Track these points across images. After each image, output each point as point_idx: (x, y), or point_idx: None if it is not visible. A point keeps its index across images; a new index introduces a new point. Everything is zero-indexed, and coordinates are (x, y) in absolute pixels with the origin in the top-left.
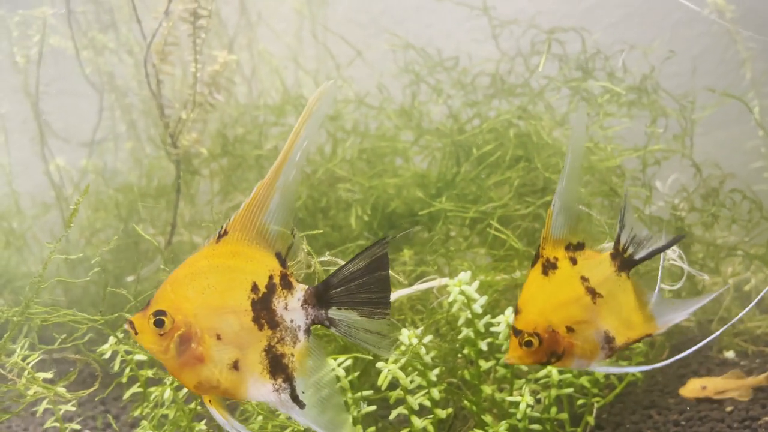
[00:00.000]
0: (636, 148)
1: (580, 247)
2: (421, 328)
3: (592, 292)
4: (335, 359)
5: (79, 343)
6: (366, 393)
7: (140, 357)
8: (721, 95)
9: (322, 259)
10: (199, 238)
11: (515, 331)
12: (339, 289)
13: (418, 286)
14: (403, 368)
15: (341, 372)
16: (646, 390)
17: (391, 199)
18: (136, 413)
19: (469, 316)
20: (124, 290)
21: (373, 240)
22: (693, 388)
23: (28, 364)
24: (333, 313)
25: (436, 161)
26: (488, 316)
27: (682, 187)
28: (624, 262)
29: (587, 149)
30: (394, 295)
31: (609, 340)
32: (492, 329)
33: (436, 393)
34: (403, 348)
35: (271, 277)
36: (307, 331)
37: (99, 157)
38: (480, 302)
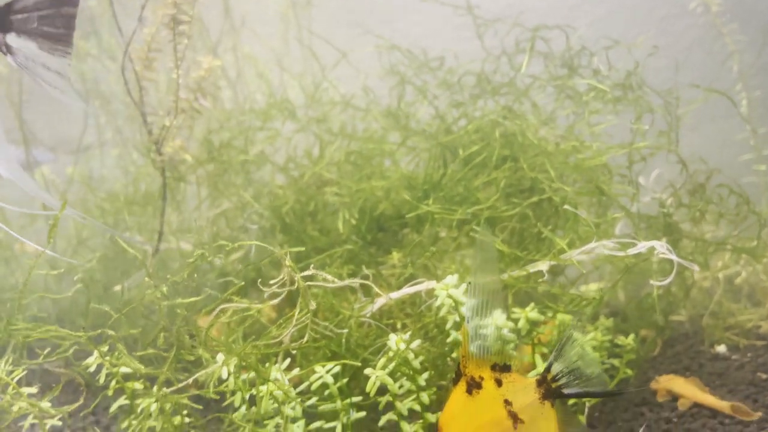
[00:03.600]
0: (622, 144)
1: (506, 368)
2: (409, 333)
3: (514, 417)
4: (323, 366)
5: (64, 356)
6: (356, 399)
7: (126, 369)
8: (705, 91)
9: (306, 273)
10: (187, 245)
11: None
12: (20, 16)
13: (407, 290)
14: (391, 374)
15: (330, 379)
16: (638, 387)
17: (380, 201)
18: (124, 425)
19: (457, 319)
20: (107, 306)
21: (362, 244)
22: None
23: (13, 379)
24: (12, 39)
25: (424, 162)
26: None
27: (669, 183)
28: (549, 391)
29: (573, 147)
30: (381, 300)
31: None
32: (480, 332)
33: (425, 397)
34: (390, 354)
35: None
36: None
37: (85, 165)
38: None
